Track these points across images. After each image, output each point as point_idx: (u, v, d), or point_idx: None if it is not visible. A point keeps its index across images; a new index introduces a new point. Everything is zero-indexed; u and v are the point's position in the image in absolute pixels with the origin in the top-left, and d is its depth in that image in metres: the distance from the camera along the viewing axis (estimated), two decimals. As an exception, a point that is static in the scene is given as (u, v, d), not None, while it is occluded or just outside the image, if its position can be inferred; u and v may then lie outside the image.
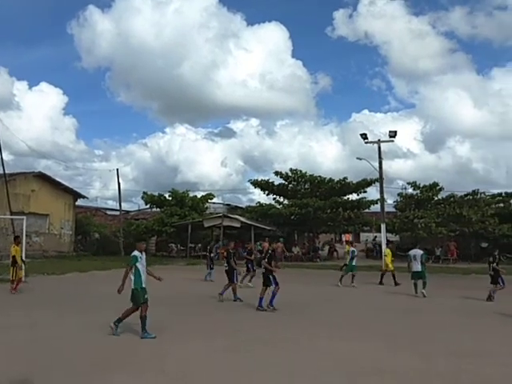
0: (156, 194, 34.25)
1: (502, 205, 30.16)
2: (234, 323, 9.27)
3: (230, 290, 11.99)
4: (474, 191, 30.15)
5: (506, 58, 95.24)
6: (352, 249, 16.72)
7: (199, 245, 35.29)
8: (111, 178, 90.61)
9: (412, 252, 14.04)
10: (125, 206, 39.63)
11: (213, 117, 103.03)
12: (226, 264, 12.32)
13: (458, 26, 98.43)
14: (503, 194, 31.01)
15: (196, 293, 13.44)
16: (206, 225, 29.68)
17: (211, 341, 7.63)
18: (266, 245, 16.99)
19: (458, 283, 17.97)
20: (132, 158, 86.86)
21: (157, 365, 6.30)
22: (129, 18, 78.13)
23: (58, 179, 30.66)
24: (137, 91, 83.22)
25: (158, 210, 34.05)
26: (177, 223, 30.73)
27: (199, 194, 35.61)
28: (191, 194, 34.39)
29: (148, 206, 35.39)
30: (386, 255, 17.75)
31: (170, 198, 33.24)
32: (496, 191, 32.29)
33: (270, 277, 10.77)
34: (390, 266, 16.74)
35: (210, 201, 35.70)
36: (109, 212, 43.26)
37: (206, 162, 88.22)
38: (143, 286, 7.83)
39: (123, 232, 31.45)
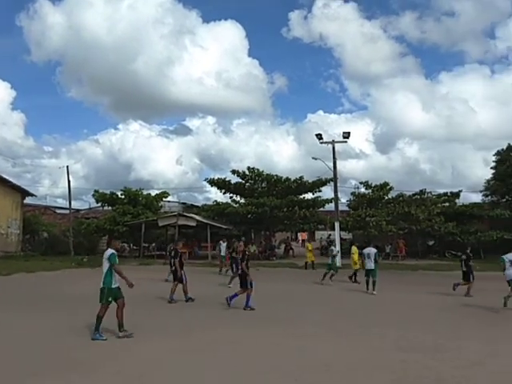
0: (108, 192, 33.30)
1: (447, 204, 31.67)
2: (193, 323, 9.16)
3: (181, 290, 11.73)
4: (421, 191, 31.52)
5: (453, 62, 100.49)
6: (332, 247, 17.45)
7: (153, 244, 34.63)
8: (61, 175, 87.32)
9: (366, 250, 14.43)
10: (75, 205, 38.32)
11: (168, 114, 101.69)
12: (172, 264, 12.02)
13: (407, 31, 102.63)
14: (448, 194, 32.60)
15: (154, 293, 13.16)
16: (160, 224, 29.13)
17: (169, 341, 7.50)
18: (242, 245, 17.05)
19: (407, 279, 18.72)
20: (83, 155, 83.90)
21: (113, 365, 6.13)
22: (81, 11, 75.56)
23: (5, 176, 29.14)
24: (88, 86, 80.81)
25: (110, 208, 33.06)
26: (130, 222, 29.99)
27: (153, 193, 34.95)
28: (145, 193, 33.69)
29: (99, 204, 34.29)
30: (353, 253, 17.60)
31: (123, 197, 32.40)
32: (442, 191, 33.93)
33: (248, 279, 10.75)
34: (357, 264, 16.82)
35: (164, 199, 35.10)
36: (58, 211, 41.85)
37: (160, 160, 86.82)
38: (112, 286, 7.62)
39: (73, 231, 30.32)
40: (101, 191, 33.09)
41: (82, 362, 6.22)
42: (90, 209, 42.19)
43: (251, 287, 10.68)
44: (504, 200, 31.82)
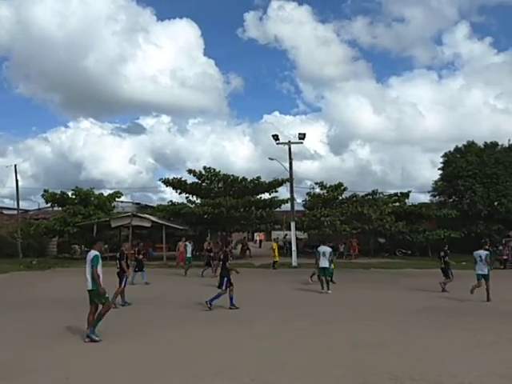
0: (58, 191, 32.00)
1: (397, 204, 32.81)
2: (149, 324, 8.97)
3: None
4: (373, 191, 32.49)
5: (403, 67, 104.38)
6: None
7: (105, 246, 33.66)
8: (8, 174, 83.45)
9: (321, 249, 14.54)
10: (23, 205, 36.74)
11: (121, 112, 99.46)
12: (118, 266, 11.60)
13: (359, 36, 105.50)
14: (399, 194, 33.78)
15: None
16: (113, 225, 28.32)
17: (121, 344, 7.31)
18: (211, 245, 17.36)
19: (360, 277, 19.25)
20: (31, 154, 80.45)
21: (60, 372, 5.87)
22: (30, 5, 72.30)
23: None
24: (37, 83, 77.58)
25: (60, 209, 31.80)
26: (81, 223, 28.99)
27: (106, 193, 33.98)
28: (97, 192, 32.70)
29: (49, 204, 32.88)
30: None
31: (74, 197, 31.27)
32: (392, 191, 35.12)
33: (225, 279, 10.71)
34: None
35: (117, 199, 34.17)
36: (5, 211, 39.60)
37: (112, 159, 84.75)
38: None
39: (21, 233, 28.93)
40: (50, 191, 31.76)
41: (31, 369, 5.94)
42: (40, 209, 40.39)
43: (228, 287, 10.71)
44: (451, 200, 33.40)
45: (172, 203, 31.42)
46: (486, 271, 12.43)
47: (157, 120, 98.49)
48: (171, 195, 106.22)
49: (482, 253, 12.65)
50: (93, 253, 7.75)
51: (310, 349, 7.17)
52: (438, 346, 7.30)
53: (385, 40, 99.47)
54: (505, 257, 23.58)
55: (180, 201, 32.11)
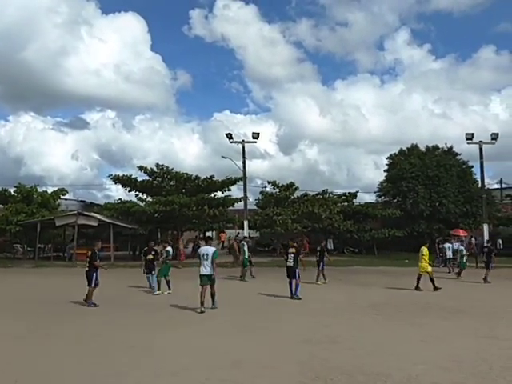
0: (-1, 188, 30.23)
1: (345, 203, 33.86)
2: (97, 327, 8.67)
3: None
4: (323, 191, 33.32)
5: (347, 71, 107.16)
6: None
7: (49, 245, 32.26)
8: None
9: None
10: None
11: (62, 106, 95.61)
12: (87, 265, 11.33)
13: (305, 38, 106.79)
14: (347, 194, 34.86)
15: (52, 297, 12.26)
16: (57, 223, 27.12)
17: (69, 347, 7.03)
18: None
19: (310, 275, 19.59)
20: (-33, 148, 74.96)
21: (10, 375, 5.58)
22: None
23: None
24: (-27, 74, 72.33)
25: (1, 206, 30.05)
26: (23, 221, 27.55)
27: (47, 189, 32.58)
28: (40, 190, 31.21)
29: (-12, 202, 30.94)
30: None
31: (16, 194, 29.64)
32: (340, 191, 36.17)
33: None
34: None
35: (62, 197, 32.77)
36: None
37: (54, 154, 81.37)
38: None
39: (-44, 232, 27.07)
40: (-10, 188, 29.96)
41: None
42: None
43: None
44: (395, 200, 34.86)
45: (121, 201, 30.53)
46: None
47: (101, 115, 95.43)
48: (117, 193, 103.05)
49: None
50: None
51: (264, 346, 7.25)
52: (387, 341, 7.62)
53: (329, 43, 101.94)
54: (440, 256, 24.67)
55: (128, 198, 31.34)
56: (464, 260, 18.26)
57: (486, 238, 25.31)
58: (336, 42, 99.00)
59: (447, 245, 22.79)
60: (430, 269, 14.17)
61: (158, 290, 13.26)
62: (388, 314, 10.27)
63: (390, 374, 5.82)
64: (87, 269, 11.32)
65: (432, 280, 13.79)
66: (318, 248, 17.12)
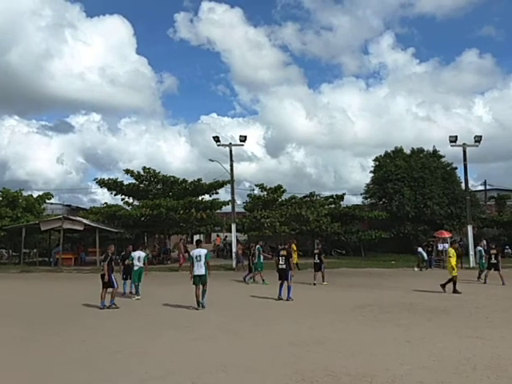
0: (-19, 193, 29.73)
1: (333, 206, 34.08)
2: (82, 332, 8.58)
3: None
4: (311, 193, 33.48)
5: (333, 74, 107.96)
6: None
7: (35, 250, 31.83)
8: None
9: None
10: None
11: (47, 109, 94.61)
12: (105, 269, 11.54)
13: (290, 41, 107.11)
14: (334, 196, 35.11)
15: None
16: (43, 228, 26.77)
17: (56, 352, 6.94)
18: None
19: (298, 277, 19.64)
20: (-52, 152, 73.60)
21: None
22: None
23: None
24: (-45, 78, 71.11)
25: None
26: (8, 226, 27.16)
27: (32, 193, 32.16)
28: (25, 194, 30.77)
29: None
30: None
31: (1, 198, 29.21)
32: (327, 193, 36.42)
33: None
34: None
35: (47, 201, 32.37)
36: None
37: (39, 158, 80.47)
38: None
39: None
40: (-26, 193, 29.47)
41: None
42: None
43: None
44: (381, 202, 35.20)
45: (107, 205, 30.28)
46: None
47: (86, 118, 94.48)
48: (103, 196, 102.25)
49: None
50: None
51: (251, 349, 7.25)
52: (372, 342, 7.68)
53: (315, 47, 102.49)
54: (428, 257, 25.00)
55: (114, 202, 31.11)
56: (483, 261, 17.83)
57: (471, 238, 25.64)
58: (321, 46, 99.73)
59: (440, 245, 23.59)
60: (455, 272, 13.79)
61: (137, 294, 13.26)
62: (374, 315, 10.34)
63: (376, 374, 5.87)
64: (104, 272, 11.46)
65: (454, 282, 13.58)
66: (316, 251, 17.23)
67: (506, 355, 6.73)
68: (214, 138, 26.72)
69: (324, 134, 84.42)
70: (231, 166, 26.75)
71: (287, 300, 12.28)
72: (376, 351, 7.06)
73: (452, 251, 14.18)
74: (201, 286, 11.03)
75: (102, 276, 11.46)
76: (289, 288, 12.48)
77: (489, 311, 10.80)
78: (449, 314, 10.45)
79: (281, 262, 12.72)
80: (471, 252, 24.79)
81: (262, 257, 17.26)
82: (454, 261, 13.84)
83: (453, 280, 13.67)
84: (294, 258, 17.31)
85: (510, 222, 32.59)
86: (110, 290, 11.48)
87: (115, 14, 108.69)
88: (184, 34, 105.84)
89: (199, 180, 29.74)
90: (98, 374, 6.05)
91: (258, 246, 17.56)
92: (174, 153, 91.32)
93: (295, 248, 18.47)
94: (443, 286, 13.68)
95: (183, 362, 6.59)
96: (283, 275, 12.60)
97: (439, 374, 5.90)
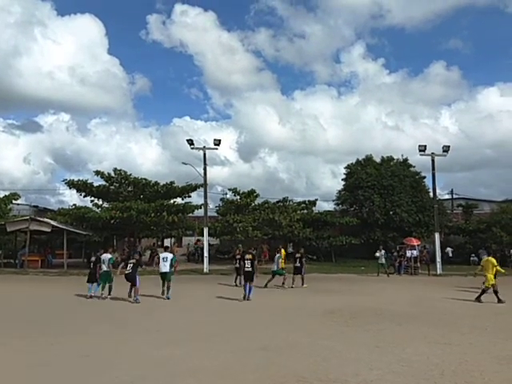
0: None
1: (305, 211, 34.32)
2: (47, 337, 8.27)
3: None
4: (284, 199, 33.63)
5: (306, 81, 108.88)
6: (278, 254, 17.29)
7: (0, 251, 30.70)
8: None
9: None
10: None
11: (15, 108, 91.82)
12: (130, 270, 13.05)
13: (263, 47, 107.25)
14: (307, 202, 35.36)
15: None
16: (8, 229, 25.83)
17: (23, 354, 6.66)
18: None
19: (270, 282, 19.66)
20: None
21: None
22: None
23: None
24: None
25: None
26: (-29, 227, 26.00)
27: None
28: (-9, 194, 29.67)
29: None
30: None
31: (-35, 198, 28.07)
32: (299, 199, 36.61)
33: None
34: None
35: (14, 201, 31.29)
36: None
37: (5, 157, 77.94)
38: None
39: None
40: None
41: None
42: None
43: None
44: (352, 209, 35.71)
45: (76, 207, 29.49)
46: None
47: (55, 118, 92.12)
48: (71, 198, 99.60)
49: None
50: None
51: (221, 354, 7.16)
52: (342, 347, 7.72)
53: (288, 54, 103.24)
54: (398, 263, 25.56)
55: (83, 204, 30.36)
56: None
57: (438, 246, 26.32)
58: (294, 53, 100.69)
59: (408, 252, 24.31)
60: (493, 281, 13.59)
61: (109, 294, 13.85)
62: (344, 320, 10.42)
63: (346, 379, 5.90)
64: (130, 271, 13.01)
65: (496, 292, 13.38)
66: (298, 254, 17.69)
67: (473, 361, 6.89)
68: (187, 140, 26.53)
69: (296, 139, 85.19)
70: (205, 169, 26.59)
71: (244, 299, 13.16)
72: (346, 356, 7.10)
73: (493, 260, 13.83)
74: (166, 283, 13.49)
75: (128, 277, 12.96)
76: (250, 289, 13.46)
77: (457, 317, 11.05)
78: (418, 319, 10.63)
79: (247, 266, 13.71)
80: (438, 259, 25.47)
81: (279, 264, 17.30)
82: (492, 271, 13.59)
83: (493, 289, 13.46)
84: (281, 263, 17.48)
85: (476, 230, 33.57)
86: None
87: (87, 14, 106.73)
88: (157, 36, 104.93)
89: (172, 183, 29.38)
90: (66, 378, 5.84)
91: (278, 255, 17.52)
92: (145, 155, 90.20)
93: (284, 253, 18.64)
94: (478, 299, 13.45)
95: (154, 366, 6.45)
96: (249, 277, 13.61)
97: (408, 379, 5.98)
